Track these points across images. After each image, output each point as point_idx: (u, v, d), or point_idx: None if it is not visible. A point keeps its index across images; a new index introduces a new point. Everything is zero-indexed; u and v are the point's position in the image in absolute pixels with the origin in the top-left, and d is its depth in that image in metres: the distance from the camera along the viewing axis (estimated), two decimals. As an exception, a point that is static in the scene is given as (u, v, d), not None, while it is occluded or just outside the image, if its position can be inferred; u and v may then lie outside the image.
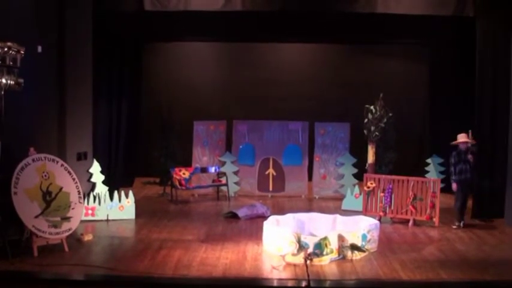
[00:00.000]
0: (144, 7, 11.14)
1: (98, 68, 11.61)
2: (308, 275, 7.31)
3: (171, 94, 14.90)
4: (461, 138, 10.04)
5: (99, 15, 11.22)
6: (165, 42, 14.86)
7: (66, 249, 8.33)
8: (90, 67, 11.16)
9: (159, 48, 15.09)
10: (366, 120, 12.19)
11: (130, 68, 13.59)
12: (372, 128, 12.10)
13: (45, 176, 8.37)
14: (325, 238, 8.03)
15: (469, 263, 8.05)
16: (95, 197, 10.40)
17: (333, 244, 8.03)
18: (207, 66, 15.19)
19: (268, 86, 14.80)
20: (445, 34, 12.48)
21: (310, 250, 7.89)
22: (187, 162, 13.11)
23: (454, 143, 10.12)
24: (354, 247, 8.16)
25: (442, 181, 10.93)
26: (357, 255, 8.16)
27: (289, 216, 9.26)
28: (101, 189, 10.53)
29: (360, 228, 8.57)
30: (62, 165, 8.66)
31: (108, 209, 10.39)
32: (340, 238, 8.13)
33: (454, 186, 10.10)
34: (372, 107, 12.19)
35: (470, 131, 10.24)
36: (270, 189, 13.08)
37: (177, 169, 12.38)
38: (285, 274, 7.52)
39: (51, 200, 8.33)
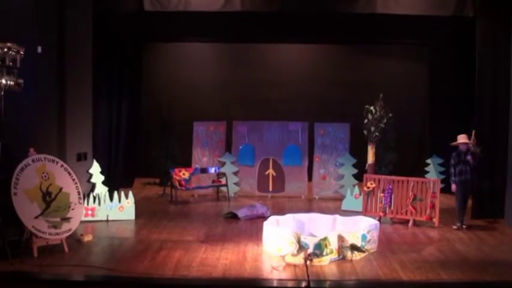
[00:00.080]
0: (144, 7, 11.16)
1: (98, 68, 11.59)
2: (308, 276, 7.32)
3: (171, 94, 14.88)
4: (462, 139, 10.01)
5: (99, 15, 11.22)
6: (165, 42, 14.87)
7: (66, 249, 8.32)
8: (90, 67, 11.15)
9: (159, 48, 15.10)
10: (365, 120, 12.17)
11: (130, 68, 13.58)
12: (372, 129, 12.09)
13: (45, 176, 8.37)
14: (325, 238, 8.03)
15: (469, 263, 8.05)
16: (94, 198, 10.40)
17: (333, 244, 8.02)
18: (207, 66, 15.19)
19: (268, 86, 14.79)
20: (445, 34, 12.48)
21: (310, 250, 7.89)
22: (187, 163, 13.10)
23: (454, 143, 10.11)
24: (353, 247, 8.15)
25: (442, 181, 10.92)
26: (357, 256, 8.15)
27: (289, 216, 9.26)
28: (101, 189, 10.54)
29: (359, 228, 8.56)
30: (61, 165, 8.66)
31: (108, 209, 10.39)
32: (340, 238, 8.13)
33: (453, 187, 10.10)
34: (371, 108, 12.17)
35: (474, 131, 10.23)
36: (270, 189, 13.07)
37: (176, 170, 12.37)
38: (284, 274, 7.51)
39: (51, 201, 8.32)
